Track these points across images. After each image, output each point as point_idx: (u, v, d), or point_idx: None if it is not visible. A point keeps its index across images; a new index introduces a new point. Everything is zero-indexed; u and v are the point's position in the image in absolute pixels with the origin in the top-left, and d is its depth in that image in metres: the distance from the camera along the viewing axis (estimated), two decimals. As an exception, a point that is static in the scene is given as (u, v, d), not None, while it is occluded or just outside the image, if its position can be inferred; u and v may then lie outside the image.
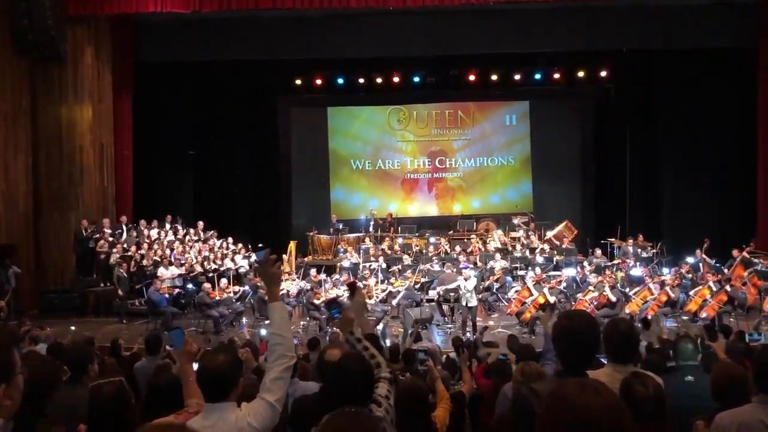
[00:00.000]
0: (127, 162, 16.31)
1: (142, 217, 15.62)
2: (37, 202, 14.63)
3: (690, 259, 14.19)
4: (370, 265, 14.72)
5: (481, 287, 13.46)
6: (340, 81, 19.03)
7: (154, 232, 15.28)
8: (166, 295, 12.81)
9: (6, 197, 13.74)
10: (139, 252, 14.17)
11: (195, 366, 3.32)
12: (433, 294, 13.68)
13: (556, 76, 18.77)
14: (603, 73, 18.67)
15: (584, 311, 4.57)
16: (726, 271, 13.53)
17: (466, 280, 12.47)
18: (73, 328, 11.94)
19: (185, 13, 14.27)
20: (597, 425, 1.29)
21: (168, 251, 14.42)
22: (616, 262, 14.90)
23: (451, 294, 13.02)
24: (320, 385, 3.77)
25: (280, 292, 12.73)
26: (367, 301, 13.03)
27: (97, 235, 14.37)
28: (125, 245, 14.34)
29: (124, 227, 15.09)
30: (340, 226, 17.66)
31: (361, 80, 18.86)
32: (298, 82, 18.95)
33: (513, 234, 16.84)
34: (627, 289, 13.04)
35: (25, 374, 1.78)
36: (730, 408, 2.95)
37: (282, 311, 2.88)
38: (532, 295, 12.61)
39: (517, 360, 5.47)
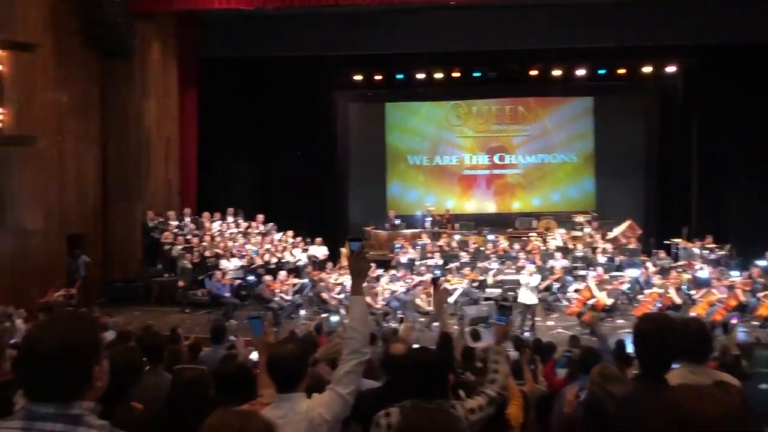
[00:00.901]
0: (191, 155, 16.71)
1: (204, 210, 15.96)
2: (105, 194, 15.11)
3: (761, 263, 13.59)
4: (426, 262, 14.67)
5: (540, 286, 13.23)
6: (399, 76, 18.99)
7: (216, 225, 15.58)
8: (228, 286, 13.06)
9: (77, 188, 14.22)
10: (201, 244, 14.48)
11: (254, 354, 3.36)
12: (490, 292, 13.52)
13: (621, 71, 18.29)
14: (669, 69, 18.10)
15: (664, 314, 4.43)
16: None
17: (530, 275, 12.31)
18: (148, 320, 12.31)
19: (249, 9, 14.47)
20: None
21: (230, 243, 14.69)
22: (681, 263, 14.41)
23: (510, 293, 12.87)
24: (383, 382, 3.76)
25: (338, 287, 12.88)
26: (423, 297, 13.02)
27: (162, 226, 14.75)
28: (188, 237, 14.68)
29: (188, 219, 15.43)
30: (398, 222, 17.65)
31: (420, 75, 18.78)
32: (357, 77, 19.01)
33: (574, 233, 16.47)
34: (693, 292, 12.62)
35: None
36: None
37: (362, 305, 2.86)
38: (593, 295, 12.33)
39: (580, 362, 5.35)
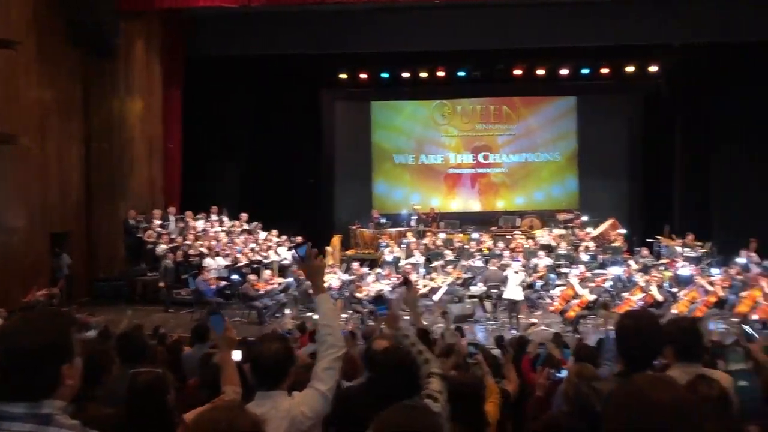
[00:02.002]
0: (176, 154, 16.64)
1: (189, 209, 15.90)
2: (89, 193, 15.03)
3: (739, 260, 13.78)
4: (411, 260, 14.72)
5: (524, 284, 13.32)
6: (385, 75, 19.02)
7: (200, 223, 15.54)
8: (213, 286, 13.03)
9: (60, 186, 14.13)
10: (185, 242, 14.43)
11: (236, 354, 3.38)
12: (475, 290, 13.60)
13: (604, 70, 18.45)
14: (652, 68, 18.27)
15: (649, 311, 4.50)
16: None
17: (516, 273, 12.41)
18: (129, 312, 12.27)
19: (234, 7, 14.44)
20: (668, 420, 1.27)
21: (214, 242, 14.66)
22: (663, 261, 14.57)
23: (494, 291, 12.96)
24: (365, 378, 3.79)
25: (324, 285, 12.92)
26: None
27: (145, 225, 14.69)
28: (172, 236, 14.63)
29: (172, 218, 15.38)
30: (382, 221, 17.69)
31: (406, 74, 18.83)
32: (343, 76, 19.02)
33: (558, 231, 16.61)
34: (675, 290, 12.77)
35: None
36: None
37: (328, 302, 2.92)
38: (576, 293, 12.44)
39: (576, 361, 5.41)
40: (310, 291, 13.20)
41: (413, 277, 13.40)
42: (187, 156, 16.86)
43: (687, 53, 16.92)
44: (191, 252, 14.14)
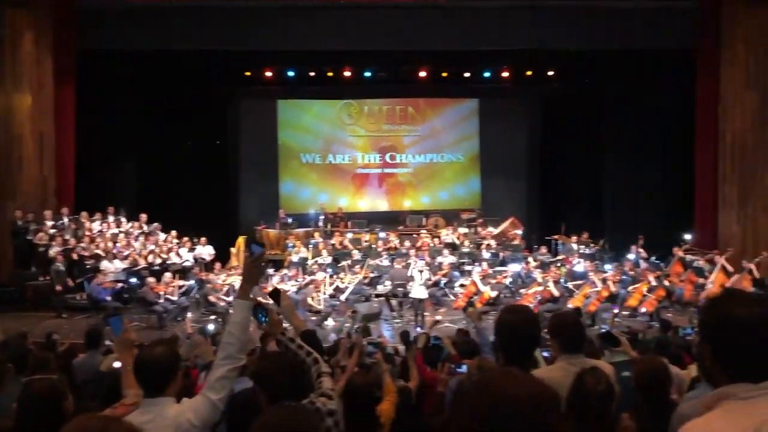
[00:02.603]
0: (69, 152, 15.78)
1: (84, 209, 15.17)
2: (-27, 193, 14.09)
3: (631, 256, 14.61)
4: (318, 260, 14.67)
5: (429, 282, 13.56)
6: (291, 74, 18.86)
7: (96, 225, 14.87)
8: (109, 290, 12.50)
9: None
10: (80, 245, 13.78)
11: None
12: (382, 289, 13.72)
13: (505, 74, 19.03)
14: (550, 72, 19.02)
15: (525, 306, 4.66)
16: (665, 267, 13.98)
17: (420, 272, 12.60)
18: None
19: (133, 1, 13.91)
20: (519, 414, 1.29)
21: (111, 244, 14.06)
22: (560, 258, 15.22)
23: (400, 289, 13.12)
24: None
25: (226, 287, 12.63)
26: (315, 296, 13.02)
27: (35, 227, 13.91)
28: (66, 237, 13.92)
29: (66, 219, 14.63)
30: (289, 221, 17.52)
31: (312, 73, 18.74)
32: (248, 73, 18.70)
33: (461, 230, 17.02)
34: (570, 285, 13.36)
35: None
36: (652, 400, 3.07)
37: (245, 312, 2.78)
38: (478, 290, 12.78)
39: (458, 354, 5.53)
40: (211, 296, 12.91)
41: (320, 276, 13.37)
42: (81, 154, 16.03)
43: (581, 59, 17.71)
44: (86, 254, 13.51)
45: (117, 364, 4.37)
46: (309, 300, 13.11)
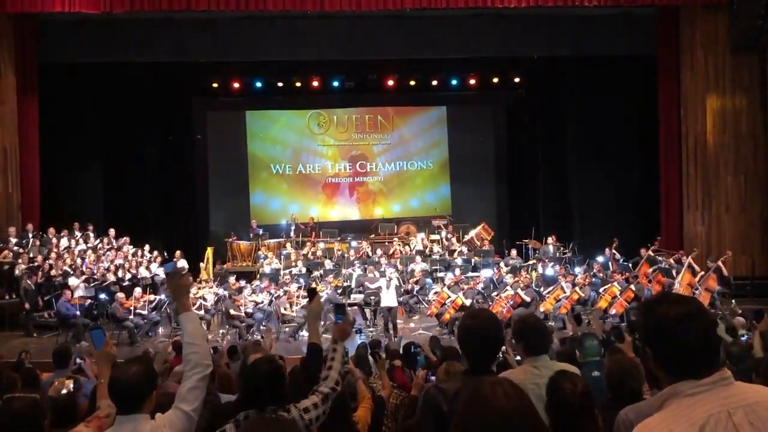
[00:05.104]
0: (33, 167, 15.51)
1: (50, 225, 14.89)
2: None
3: (600, 258, 14.82)
4: (291, 271, 14.62)
5: (401, 290, 13.60)
6: (259, 84, 18.82)
7: (63, 241, 14.61)
8: (78, 307, 12.28)
9: None
10: (47, 262, 13.52)
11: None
12: (355, 298, 13.71)
13: (472, 81, 19.23)
14: (516, 79, 19.27)
15: (487, 309, 4.72)
16: (633, 269, 14.21)
17: (389, 281, 12.61)
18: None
19: (96, 14, 13.75)
20: (511, 424, 1.35)
21: (79, 260, 13.84)
22: (531, 262, 15.38)
23: (372, 297, 13.13)
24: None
25: (198, 301, 12.52)
26: (288, 307, 12.98)
27: (1, 245, 13.63)
28: (32, 255, 13.66)
29: (31, 236, 14.35)
30: (260, 232, 17.43)
31: (280, 84, 18.72)
32: (215, 85, 18.61)
33: (432, 237, 17.11)
34: (541, 289, 13.51)
35: None
36: (623, 399, 3.13)
37: (194, 320, 2.85)
38: (450, 296, 12.84)
39: (441, 361, 5.56)
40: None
41: (293, 287, 13.33)
42: (46, 169, 15.75)
43: (546, 66, 17.97)
44: (53, 272, 13.27)
45: (64, 391, 4.39)
46: (282, 310, 13.07)
